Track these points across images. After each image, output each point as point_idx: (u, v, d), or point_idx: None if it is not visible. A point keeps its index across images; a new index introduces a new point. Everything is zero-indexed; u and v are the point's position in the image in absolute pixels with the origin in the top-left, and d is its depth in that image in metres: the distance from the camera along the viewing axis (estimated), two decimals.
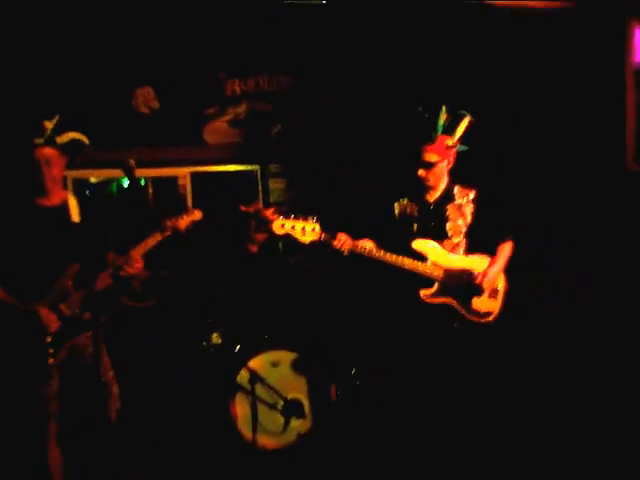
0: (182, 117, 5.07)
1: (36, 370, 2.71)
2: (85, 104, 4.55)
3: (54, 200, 2.94)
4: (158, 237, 2.99)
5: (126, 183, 3.35)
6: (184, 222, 3.07)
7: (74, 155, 2.98)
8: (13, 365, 2.74)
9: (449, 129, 3.25)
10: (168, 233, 3.01)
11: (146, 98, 5.02)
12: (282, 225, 3.09)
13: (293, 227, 3.09)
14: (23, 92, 4.59)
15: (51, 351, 2.71)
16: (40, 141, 2.86)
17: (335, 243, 3.11)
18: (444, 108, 3.25)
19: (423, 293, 3.20)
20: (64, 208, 2.93)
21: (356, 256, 3.17)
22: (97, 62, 4.73)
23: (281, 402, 3.75)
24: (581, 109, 4.37)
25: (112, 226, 3.09)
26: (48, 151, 2.87)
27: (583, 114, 4.36)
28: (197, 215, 3.13)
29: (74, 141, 2.95)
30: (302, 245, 3.13)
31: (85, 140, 3.00)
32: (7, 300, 2.75)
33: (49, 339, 2.70)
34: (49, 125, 2.91)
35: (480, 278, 3.20)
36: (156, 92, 5.03)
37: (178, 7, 4.74)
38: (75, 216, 2.92)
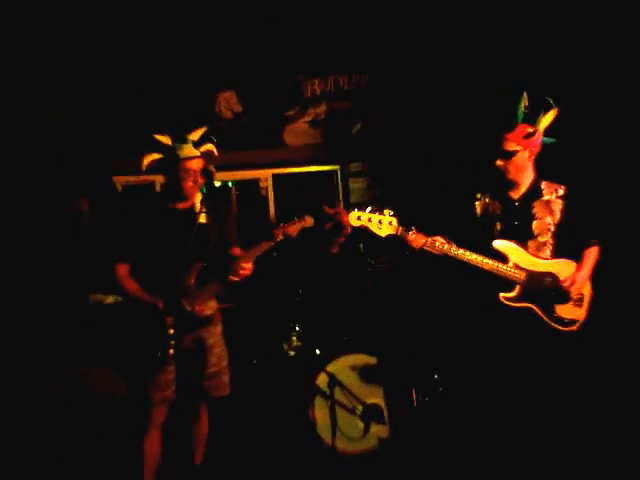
0: (263, 120, 5.16)
1: (156, 359, 2.90)
2: (169, 109, 4.71)
3: (187, 203, 3.11)
4: (270, 243, 3.07)
5: (217, 186, 3.43)
6: (295, 228, 3.10)
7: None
8: (138, 354, 2.99)
9: (531, 117, 3.08)
10: (279, 239, 3.07)
11: (228, 102, 5.13)
12: (358, 217, 3.04)
13: (370, 220, 3.03)
14: (112, 100, 4.84)
15: (172, 342, 2.87)
16: (194, 152, 3.00)
17: (411, 237, 3.03)
18: (525, 95, 3.09)
19: (503, 296, 3.06)
20: (193, 210, 3.08)
21: (434, 256, 3.07)
22: (181, 68, 4.89)
23: (360, 407, 3.72)
24: None
25: (231, 227, 3.23)
26: (198, 163, 3.03)
27: None
28: (309, 221, 3.15)
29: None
30: (378, 238, 3.06)
31: (215, 152, 3.13)
32: (139, 295, 2.99)
33: (171, 331, 2.87)
34: (195, 136, 3.04)
35: (568, 284, 3.02)
36: (238, 96, 5.14)
37: (257, 10, 4.80)
38: (199, 216, 3.07)
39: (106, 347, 3.90)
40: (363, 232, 3.19)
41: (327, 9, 4.85)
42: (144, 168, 3.04)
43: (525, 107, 3.08)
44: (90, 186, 4.72)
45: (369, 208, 3.04)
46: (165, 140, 3.03)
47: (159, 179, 4.91)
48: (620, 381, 3.70)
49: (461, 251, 3.02)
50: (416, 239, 3.02)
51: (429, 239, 3.03)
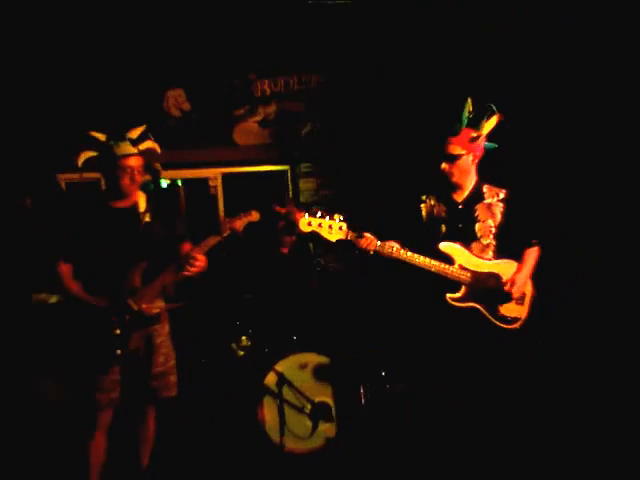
0: (213, 118, 5.12)
1: (102, 360, 2.87)
2: (116, 107, 4.63)
3: (128, 202, 3.07)
4: (217, 238, 3.05)
5: (164, 184, 3.40)
6: (241, 223, 3.10)
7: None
8: (82, 355, 2.95)
9: (474, 122, 3.16)
10: (226, 234, 3.06)
11: (177, 100, 5.08)
12: (309, 223, 3.05)
13: (320, 225, 3.05)
14: (58, 97, 4.72)
15: (118, 342, 2.84)
16: (131, 150, 2.96)
17: (361, 242, 3.07)
18: (469, 100, 3.17)
19: (450, 297, 3.13)
20: (135, 208, 3.05)
21: (383, 258, 3.12)
22: (128, 65, 4.81)
23: (309, 405, 3.74)
24: (622, 104, 4.20)
25: (179, 224, 3.21)
26: (136, 160, 2.99)
27: (624, 111, 4.19)
28: (255, 216, 3.15)
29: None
30: (328, 243, 3.09)
31: (158, 149, 3.10)
32: (82, 295, 2.94)
33: (117, 331, 2.84)
34: (134, 134, 3.01)
35: (509, 285, 3.12)
36: (187, 94, 5.09)
37: (207, 9, 4.77)
38: (144, 215, 3.04)
39: (49, 348, 3.80)
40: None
41: (277, 10, 4.86)
42: (80, 165, 2.99)
43: (469, 112, 3.16)
44: (34, 183, 4.59)
45: (319, 213, 3.06)
46: (101, 137, 3.00)
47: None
48: (561, 374, 3.85)
49: (410, 254, 3.07)
50: (367, 243, 3.05)
51: (379, 243, 3.07)
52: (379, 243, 3.06)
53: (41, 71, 4.70)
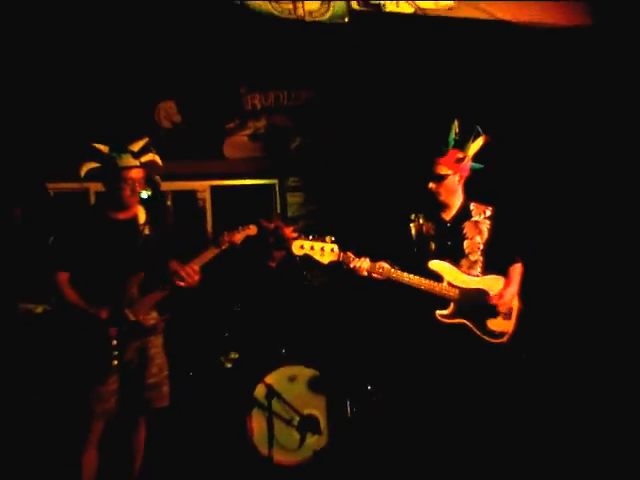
0: (203, 131, 5.16)
1: (99, 370, 2.88)
2: (108, 118, 4.64)
3: (128, 213, 3.09)
4: (215, 251, 3.10)
5: (145, 195, 3.44)
6: (240, 236, 3.15)
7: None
8: (78, 365, 2.94)
9: (461, 143, 3.27)
10: (224, 247, 3.10)
11: (168, 112, 5.11)
12: (301, 246, 3.11)
13: (312, 248, 3.10)
14: (47, 107, 4.72)
15: (115, 353, 2.85)
16: (133, 162, 2.99)
17: (353, 264, 3.13)
18: (456, 122, 3.27)
19: (439, 313, 3.20)
20: (134, 220, 3.07)
21: (374, 277, 3.18)
22: (120, 77, 4.83)
23: (297, 418, 3.77)
24: (600, 129, 4.36)
25: (174, 236, 3.26)
26: (138, 173, 3.02)
27: (602, 135, 4.35)
28: (253, 230, 3.21)
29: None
30: (321, 265, 3.15)
31: (159, 162, 3.14)
32: (80, 304, 2.94)
33: (114, 342, 2.85)
34: (136, 147, 3.04)
35: (496, 300, 3.21)
36: (178, 106, 5.12)
37: (200, 23, 4.81)
38: (143, 227, 3.08)
39: (38, 358, 3.78)
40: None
41: (270, 26, 4.92)
42: (82, 176, 3.02)
43: (456, 134, 3.26)
44: (23, 191, 4.57)
45: (310, 236, 3.11)
46: (103, 149, 3.03)
47: (93, 187, 4.87)
48: (547, 387, 3.95)
49: (399, 273, 3.14)
50: (358, 265, 3.10)
51: (370, 264, 3.13)
52: (370, 264, 3.13)
53: (31, 80, 4.69)
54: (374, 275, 3.14)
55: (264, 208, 5.27)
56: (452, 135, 3.25)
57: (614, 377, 4.02)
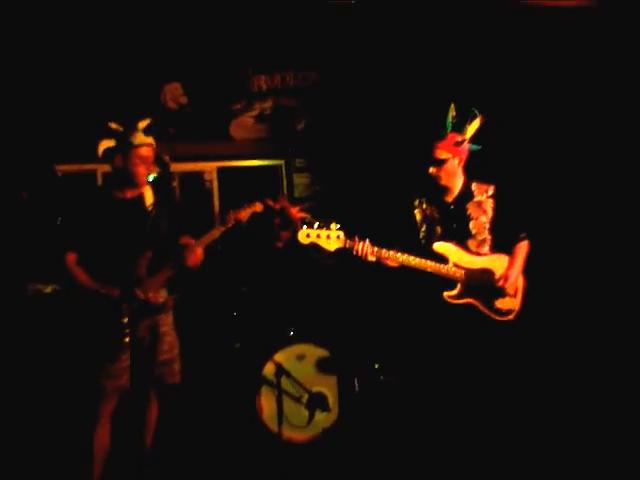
0: (209, 112, 5.16)
1: (111, 348, 2.91)
2: (114, 100, 4.65)
3: (135, 192, 3.10)
4: (222, 229, 3.13)
5: (151, 177, 3.45)
6: (246, 214, 3.18)
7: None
8: (90, 343, 2.98)
9: (459, 126, 3.27)
10: (230, 225, 3.13)
11: (174, 94, 5.10)
12: (307, 235, 3.13)
13: (318, 236, 3.13)
14: (53, 89, 4.73)
15: (127, 330, 2.84)
16: (146, 140, 3.03)
17: (359, 250, 3.15)
18: (453, 105, 3.26)
19: (446, 294, 3.22)
20: (141, 199, 3.07)
21: (381, 262, 3.20)
22: (126, 59, 4.82)
23: (306, 395, 3.81)
24: (599, 110, 4.35)
25: (181, 215, 3.26)
26: (148, 150, 3.05)
27: (601, 115, 4.34)
28: (258, 207, 3.24)
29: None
30: (328, 252, 3.17)
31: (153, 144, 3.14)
32: (90, 284, 2.97)
33: (125, 320, 2.85)
34: (141, 125, 3.05)
35: (502, 282, 3.22)
36: (184, 88, 5.12)
37: (206, 5, 4.79)
38: (151, 206, 3.05)
39: (48, 337, 3.82)
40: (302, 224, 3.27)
41: (276, 6, 4.90)
42: (100, 155, 3.04)
43: (453, 117, 3.26)
44: (30, 173, 4.59)
45: (316, 224, 3.14)
46: (118, 128, 3.05)
47: (101, 168, 4.89)
48: (555, 366, 3.98)
49: (406, 257, 3.17)
50: (364, 250, 3.12)
51: (376, 249, 3.15)
52: (376, 249, 3.15)
53: (36, 64, 4.68)
54: (381, 260, 3.16)
55: (271, 189, 5.28)
56: (449, 119, 3.25)
57: (619, 357, 4.05)
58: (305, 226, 3.14)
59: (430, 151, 3.26)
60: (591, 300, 4.23)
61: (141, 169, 3.03)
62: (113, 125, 3.05)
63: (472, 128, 3.26)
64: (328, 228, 3.13)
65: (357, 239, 3.14)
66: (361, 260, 3.16)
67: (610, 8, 4.33)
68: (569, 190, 4.41)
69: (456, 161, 3.27)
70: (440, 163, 3.25)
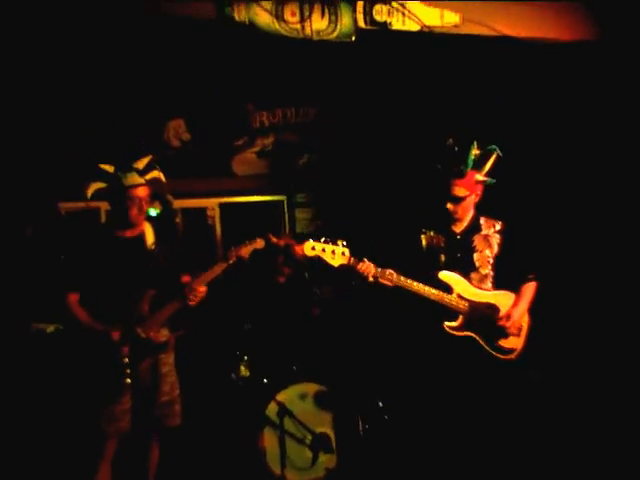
0: (212, 149, 5.20)
1: (112, 389, 2.89)
2: (118, 136, 4.68)
3: (135, 232, 3.12)
4: (223, 265, 3.13)
5: (153, 212, 3.45)
6: (247, 250, 3.18)
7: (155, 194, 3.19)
8: (91, 384, 2.96)
9: (478, 164, 3.27)
10: (232, 261, 3.12)
11: (177, 130, 5.15)
12: (312, 247, 3.13)
13: (323, 250, 3.12)
14: (59, 126, 4.77)
15: (128, 371, 2.84)
16: (138, 181, 3.01)
17: (361, 267, 3.13)
18: (475, 143, 3.27)
19: (447, 325, 3.20)
20: (141, 238, 3.10)
21: (381, 286, 3.18)
22: (129, 96, 4.87)
23: (309, 436, 3.74)
24: (609, 144, 4.35)
25: (183, 253, 3.28)
26: (144, 191, 3.05)
27: (610, 150, 4.34)
28: (260, 244, 3.25)
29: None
30: (331, 268, 3.15)
31: (163, 178, 3.17)
32: (92, 324, 2.96)
33: (126, 360, 2.85)
34: (140, 164, 3.07)
35: (504, 320, 3.20)
36: (187, 124, 5.16)
37: (207, 42, 4.85)
38: (151, 244, 3.10)
39: (49, 377, 3.79)
40: (309, 262, 3.26)
41: (276, 45, 4.96)
42: (89, 196, 3.06)
43: (475, 155, 3.26)
44: (34, 212, 4.61)
45: (323, 239, 3.14)
46: (109, 169, 3.06)
47: (104, 206, 4.90)
48: (555, 405, 3.92)
49: (409, 281, 3.16)
50: (367, 269, 3.13)
51: (379, 270, 3.14)
52: (379, 270, 3.13)
53: (41, 101, 4.74)
54: (383, 281, 3.14)
55: (273, 224, 5.30)
56: (471, 157, 3.25)
57: (625, 397, 3.98)
58: (311, 239, 3.13)
59: (448, 188, 3.25)
60: (599, 346, 4.17)
61: (134, 210, 3.04)
62: (103, 166, 3.06)
63: (489, 163, 3.28)
64: (335, 244, 3.13)
65: (362, 259, 3.13)
66: (362, 282, 3.13)
67: (612, 42, 4.36)
68: (577, 231, 4.39)
69: (473, 197, 3.29)
70: (459, 200, 3.25)
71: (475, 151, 3.26)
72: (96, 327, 2.93)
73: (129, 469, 3.17)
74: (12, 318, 4.10)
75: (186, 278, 3.14)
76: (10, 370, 3.88)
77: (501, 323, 3.18)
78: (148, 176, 3.08)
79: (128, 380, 2.83)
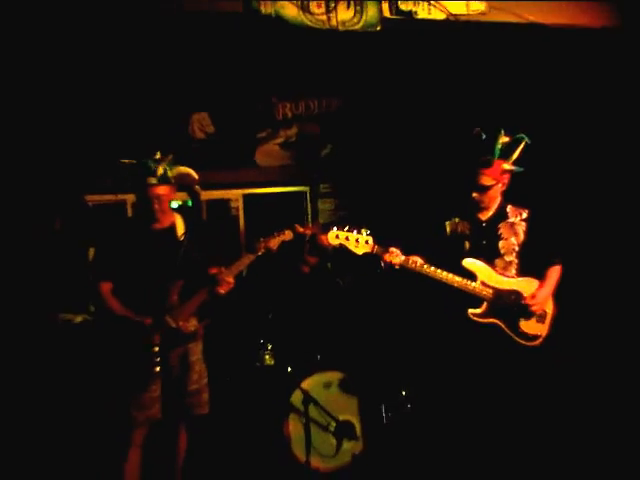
0: (236, 141, 5.24)
1: (142, 378, 2.95)
2: (143, 128, 4.74)
3: (164, 223, 3.17)
4: (251, 257, 3.19)
5: (175, 205, 3.49)
6: (276, 242, 3.23)
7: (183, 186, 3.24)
8: (121, 372, 3.02)
9: (506, 152, 3.25)
10: (261, 253, 3.16)
11: (201, 123, 5.20)
12: (337, 236, 3.15)
13: (347, 238, 3.15)
14: (84, 119, 4.85)
15: (158, 360, 2.90)
16: (153, 180, 3.06)
17: (386, 256, 3.15)
18: (502, 132, 3.25)
19: (471, 312, 3.20)
20: (172, 229, 3.15)
21: (405, 273, 3.19)
22: (155, 89, 4.93)
23: (333, 423, 3.78)
24: (634, 132, 4.29)
25: (210, 244, 3.28)
26: (160, 190, 3.08)
27: (637, 137, 4.28)
28: (288, 235, 3.29)
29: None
30: (355, 256, 3.17)
31: (193, 174, 3.21)
32: (124, 313, 3.02)
33: (156, 349, 2.90)
34: (161, 166, 3.10)
35: (529, 299, 3.19)
36: (211, 117, 5.21)
37: (231, 34, 4.88)
38: (182, 236, 3.14)
39: (79, 367, 3.87)
40: (334, 251, 3.28)
41: (300, 35, 4.97)
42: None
43: (502, 144, 3.24)
44: (63, 203, 4.69)
45: (347, 227, 3.16)
46: (130, 162, 3.12)
47: (130, 198, 4.98)
48: (578, 392, 3.90)
49: (433, 269, 3.17)
50: (392, 257, 3.14)
51: (403, 257, 3.16)
52: (403, 257, 3.15)
53: (67, 96, 4.81)
54: (407, 268, 3.15)
55: (296, 215, 5.33)
56: (498, 146, 3.23)
57: None
58: (335, 227, 3.15)
59: (474, 177, 3.25)
60: (624, 332, 4.13)
61: (156, 206, 3.08)
62: (124, 161, 3.12)
63: (517, 152, 3.25)
64: (359, 232, 3.15)
65: (387, 247, 3.14)
66: (386, 269, 3.14)
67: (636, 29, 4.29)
68: (603, 219, 4.34)
69: (499, 186, 3.28)
70: (485, 189, 3.25)
71: (502, 139, 3.23)
72: (129, 316, 2.99)
73: (158, 456, 3.23)
74: (42, 309, 4.20)
75: (213, 269, 3.18)
76: (41, 359, 3.98)
77: (526, 302, 3.18)
78: (174, 171, 3.13)
79: (158, 368, 2.87)
